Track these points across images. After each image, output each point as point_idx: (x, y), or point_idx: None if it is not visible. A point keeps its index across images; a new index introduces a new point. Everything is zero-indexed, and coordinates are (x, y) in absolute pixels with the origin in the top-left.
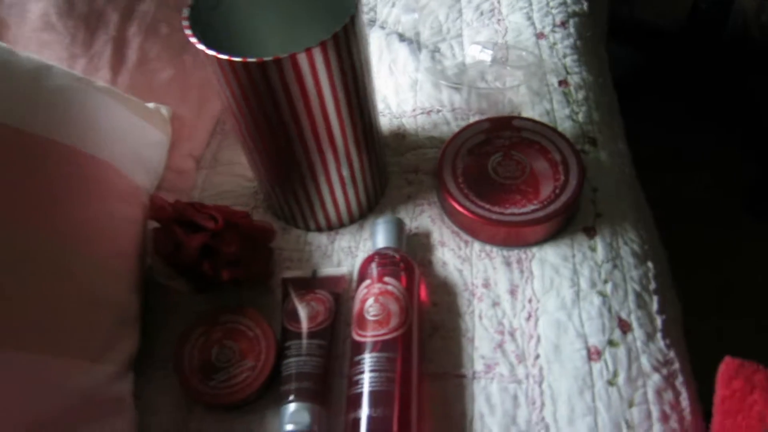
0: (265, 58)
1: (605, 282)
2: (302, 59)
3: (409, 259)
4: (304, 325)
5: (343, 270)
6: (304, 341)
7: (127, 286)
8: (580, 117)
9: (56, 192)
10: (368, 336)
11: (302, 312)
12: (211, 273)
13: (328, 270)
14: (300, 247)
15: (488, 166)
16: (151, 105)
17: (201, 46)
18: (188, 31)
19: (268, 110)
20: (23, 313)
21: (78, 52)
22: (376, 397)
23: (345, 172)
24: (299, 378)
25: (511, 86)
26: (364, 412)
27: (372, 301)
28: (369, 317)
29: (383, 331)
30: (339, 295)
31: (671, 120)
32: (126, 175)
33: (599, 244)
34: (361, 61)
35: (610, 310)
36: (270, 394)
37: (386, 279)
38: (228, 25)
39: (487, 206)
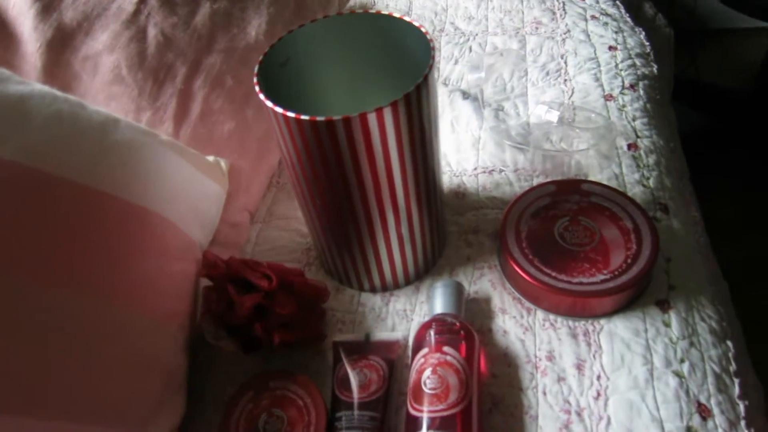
0: (335, 117)
1: (681, 361)
2: (372, 119)
3: (469, 326)
4: (356, 395)
5: (397, 335)
6: (356, 412)
7: (177, 347)
8: (651, 182)
9: (115, 249)
10: (425, 411)
11: (354, 380)
12: (262, 335)
13: (382, 334)
14: (353, 309)
15: (554, 231)
16: (210, 158)
17: (269, 103)
18: (257, 88)
19: (332, 167)
20: (63, 378)
21: (144, 105)
22: None
23: (404, 231)
24: None
25: (579, 149)
26: None
27: (429, 373)
28: (426, 390)
29: (441, 407)
30: (393, 361)
31: (739, 181)
32: (183, 231)
33: (674, 319)
34: (430, 119)
35: (687, 392)
36: None
37: (445, 349)
38: (296, 80)
39: (553, 273)
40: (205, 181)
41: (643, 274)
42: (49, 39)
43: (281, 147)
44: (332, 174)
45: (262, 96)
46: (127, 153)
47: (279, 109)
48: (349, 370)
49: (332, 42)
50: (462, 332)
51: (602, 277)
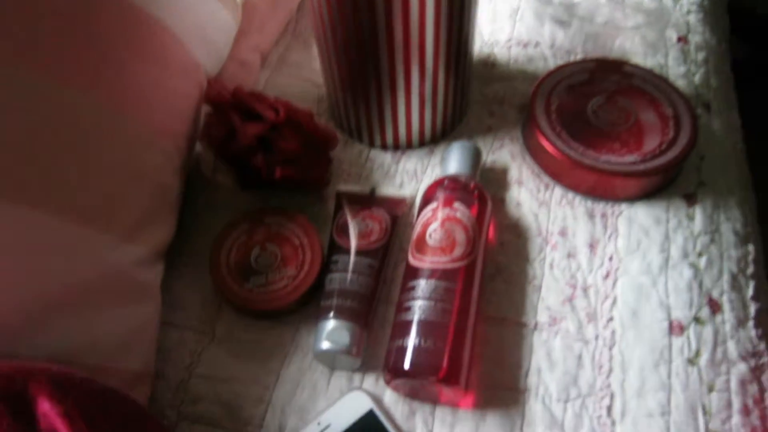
0: None
1: (699, 255)
2: None
3: (483, 189)
4: (355, 241)
5: (404, 193)
6: (353, 258)
7: (172, 167)
8: (697, 78)
9: (113, 50)
10: (427, 261)
11: (355, 227)
12: (263, 167)
13: (388, 190)
14: (361, 163)
15: (588, 108)
16: None
17: None
18: None
19: (362, 9)
20: (55, 171)
21: None
22: (427, 327)
23: (427, 89)
24: (342, 295)
25: (625, 31)
26: (412, 340)
27: (436, 226)
28: (430, 242)
29: (445, 259)
30: (397, 218)
31: None
32: (188, 49)
33: (698, 213)
34: None
35: (700, 285)
36: (307, 309)
37: (455, 204)
38: None
39: (581, 148)
40: (216, 7)
41: (676, 161)
42: None
43: None
44: (361, 16)
45: None
46: None
47: None
48: (349, 218)
49: None
50: (476, 192)
51: (632, 158)
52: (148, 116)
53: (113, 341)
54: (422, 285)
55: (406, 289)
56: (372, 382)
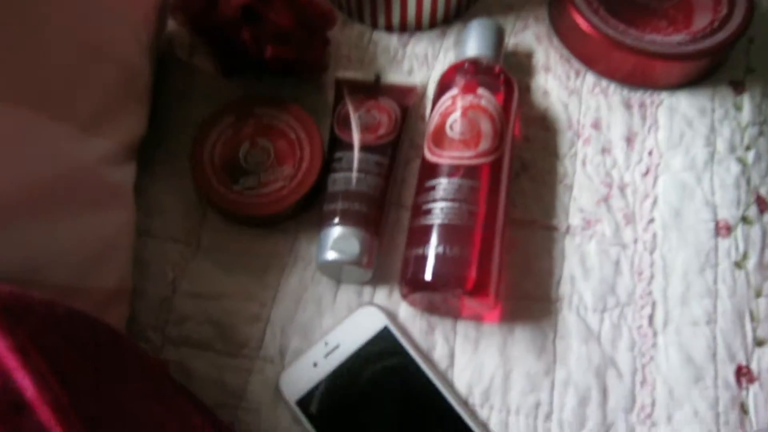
0: None
1: (747, 149)
2: None
3: (509, 74)
4: (359, 136)
5: (414, 80)
6: (359, 154)
7: (140, 47)
8: None
9: None
10: (448, 157)
11: (360, 120)
12: (251, 44)
13: (395, 77)
14: (363, 46)
15: None
16: None
17: None
18: None
19: None
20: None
21: None
22: (451, 232)
23: None
24: (348, 197)
25: None
26: (434, 247)
27: (458, 115)
28: (451, 134)
29: (469, 154)
30: (407, 108)
31: None
32: None
33: (746, 103)
34: None
35: (748, 182)
36: (307, 214)
37: (479, 91)
38: None
39: (621, 26)
40: None
41: (729, 42)
42: None
43: None
44: None
45: None
46: None
47: None
48: (352, 108)
49: None
50: (501, 77)
51: (680, 38)
52: None
53: (81, 254)
54: (443, 184)
55: (424, 190)
56: (384, 295)
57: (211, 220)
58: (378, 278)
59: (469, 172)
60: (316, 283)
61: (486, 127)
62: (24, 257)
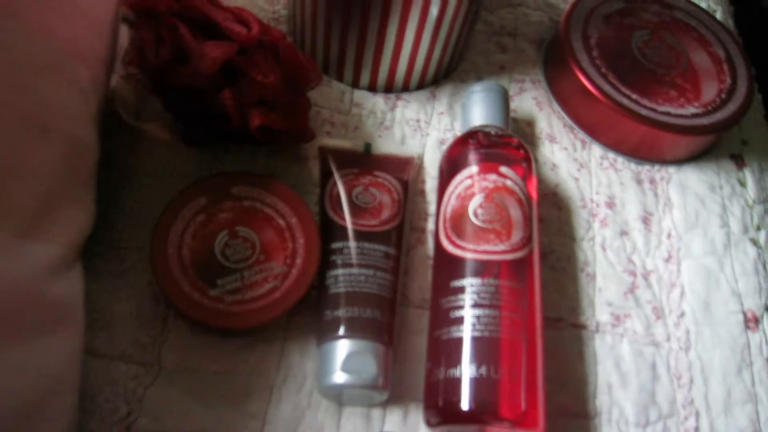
0: None
1: (758, 229)
2: None
3: (526, 146)
4: (358, 221)
5: (410, 150)
6: (364, 245)
7: (87, 113)
8: (717, 16)
9: None
10: (475, 251)
11: (360, 201)
12: (233, 110)
13: (389, 147)
14: (345, 109)
15: (632, 44)
16: None
17: None
18: None
19: None
20: None
21: None
22: (487, 348)
23: (434, 11)
24: (355, 301)
25: None
26: (468, 368)
27: (482, 199)
28: (478, 222)
29: (501, 248)
30: (406, 184)
31: None
32: None
33: (749, 178)
34: None
35: (765, 265)
36: (298, 318)
37: (502, 169)
38: None
39: (634, 95)
40: None
41: (741, 113)
42: None
43: None
44: None
45: None
46: None
47: None
48: (344, 187)
49: None
50: (522, 150)
51: (693, 110)
52: (53, 25)
53: (19, 398)
54: (474, 286)
55: (449, 291)
56: (397, 419)
57: (174, 332)
58: (389, 397)
59: (507, 269)
60: (314, 409)
61: (516, 212)
62: None
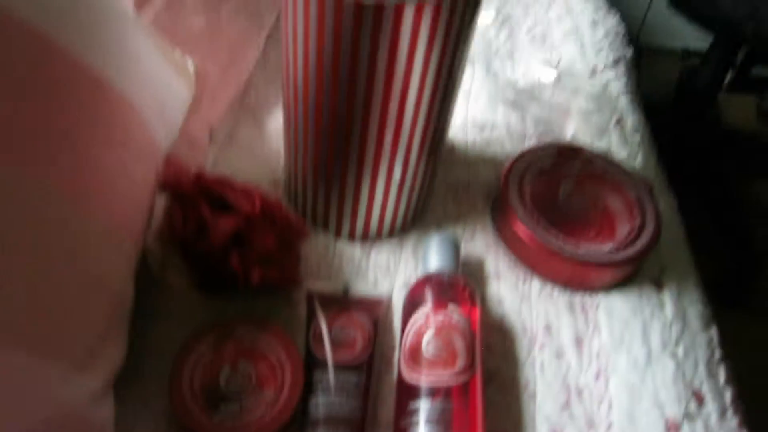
0: (365, 1)
1: (677, 344)
2: (408, 14)
3: (472, 287)
4: (335, 356)
5: (381, 292)
6: (339, 375)
7: (128, 272)
8: (639, 160)
9: (74, 125)
10: (426, 377)
11: (335, 338)
12: (237, 269)
13: (363, 289)
14: (328, 257)
15: (559, 194)
16: (177, 53)
17: None
18: None
19: (341, 64)
20: (8, 290)
21: None
22: None
23: (409, 174)
24: (330, 424)
25: (572, 115)
26: None
27: (432, 335)
28: (428, 354)
29: (447, 374)
30: (377, 321)
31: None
32: (149, 126)
33: (668, 299)
34: (467, 42)
35: (684, 376)
36: None
37: (450, 307)
38: None
39: (560, 237)
40: (172, 77)
41: (649, 248)
42: None
43: (288, 36)
44: (339, 76)
45: None
46: (102, 17)
47: None
48: (324, 327)
49: None
50: (467, 292)
51: (609, 247)
52: (108, 209)
53: None
54: (425, 407)
55: (406, 413)
56: None
57: None
58: None
59: (449, 392)
60: None
61: (459, 344)
62: None
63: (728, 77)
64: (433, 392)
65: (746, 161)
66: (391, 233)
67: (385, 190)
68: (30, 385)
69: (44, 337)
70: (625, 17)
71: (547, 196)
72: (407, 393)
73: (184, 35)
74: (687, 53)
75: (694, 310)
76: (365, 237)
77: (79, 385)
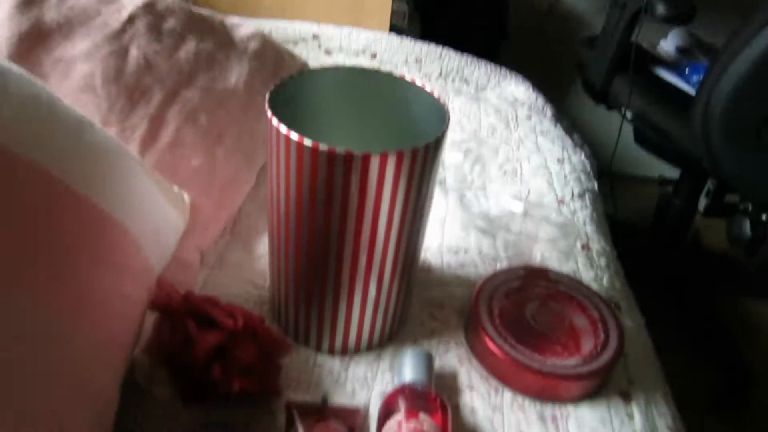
0: (337, 150)
1: None
2: (374, 163)
3: (443, 398)
4: None
5: (358, 402)
6: None
7: (115, 382)
8: (605, 282)
9: (75, 252)
10: None
11: None
12: (220, 379)
13: (340, 399)
14: (308, 369)
15: (526, 312)
16: (175, 188)
17: (279, 124)
18: (269, 112)
19: (318, 202)
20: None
21: (113, 120)
22: None
23: (383, 295)
24: None
25: (540, 241)
26: None
27: None
28: None
29: None
30: (354, 429)
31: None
32: (144, 252)
33: (636, 411)
34: (429, 185)
35: None
36: None
37: (421, 416)
38: (298, 120)
39: (527, 352)
40: (168, 209)
41: (613, 361)
42: (23, 31)
43: (273, 175)
44: (316, 210)
45: (274, 119)
46: (102, 157)
47: (292, 134)
48: None
49: (339, 90)
50: (438, 401)
51: (575, 361)
52: (100, 327)
53: None
54: None
55: None
56: None
57: None
58: None
59: None
60: None
61: None
62: None
63: (705, 202)
64: None
65: (724, 282)
66: (369, 347)
67: (362, 308)
68: None
69: None
70: (598, 149)
71: (515, 314)
72: None
73: (183, 173)
74: (664, 180)
75: (663, 421)
76: (344, 351)
77: None
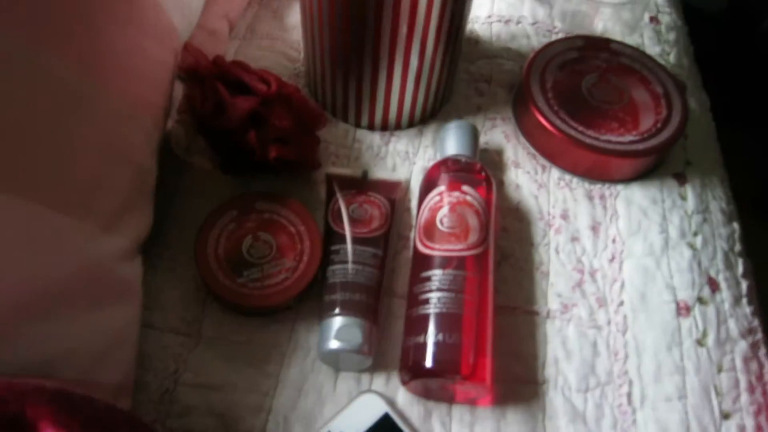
0: None
1: (695, 234)
2: None
3: (488, 171)
4: (353, 229)
5: (399, 176)
6: (357, 247)
7: (150, 148)
8: (671, 58)
9: (86, 7)
10: (440, 249)
11: (353, 214)
12: (256, 146)
13: (381, 173)
14: (348, 144)
15: (582, 86)
16: None
17: None
18: None
19: None
20: (28, 147)
21: None
22: (447, 320)
23: (425, 65)
24: (347, 288)
25: (604, 10)
26: (432, 335)
27: (447, 211)
28: (443, 228)
29: (460, 247)
30: (394, 202)
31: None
32: (164, 9)
33: (690, 192)
34: None
35: (699, 265)
36: (304, 304)
37: (464, 188)
38: None
39: (580, 128)
40: None
41: (673, 140)
42: None
43: None
44: None
45: None
46: None
47: None
48: (343, 204)
49: None
50: (482, 174)
51: (631, 137)
52: (126, 85)
53: (93, 349)
54: (438, 275)
55: (420, 281)
56: (382, 382)
57: (211, 312)
58: (375, 365)
59: (461, 263)
60: (316, 372)
61: (473, 221)
62: (40, 355)
63: None
64: (446, 262)
65: None
66: (411, 123)
67: (402, 81)
68: (54, 238)
69: (66, 196)
70: None
71: (570, 88)
72: (421, 263)
73: None
74: None
75: (716, 204)
76: (384, 127)
77: (106, 244)
